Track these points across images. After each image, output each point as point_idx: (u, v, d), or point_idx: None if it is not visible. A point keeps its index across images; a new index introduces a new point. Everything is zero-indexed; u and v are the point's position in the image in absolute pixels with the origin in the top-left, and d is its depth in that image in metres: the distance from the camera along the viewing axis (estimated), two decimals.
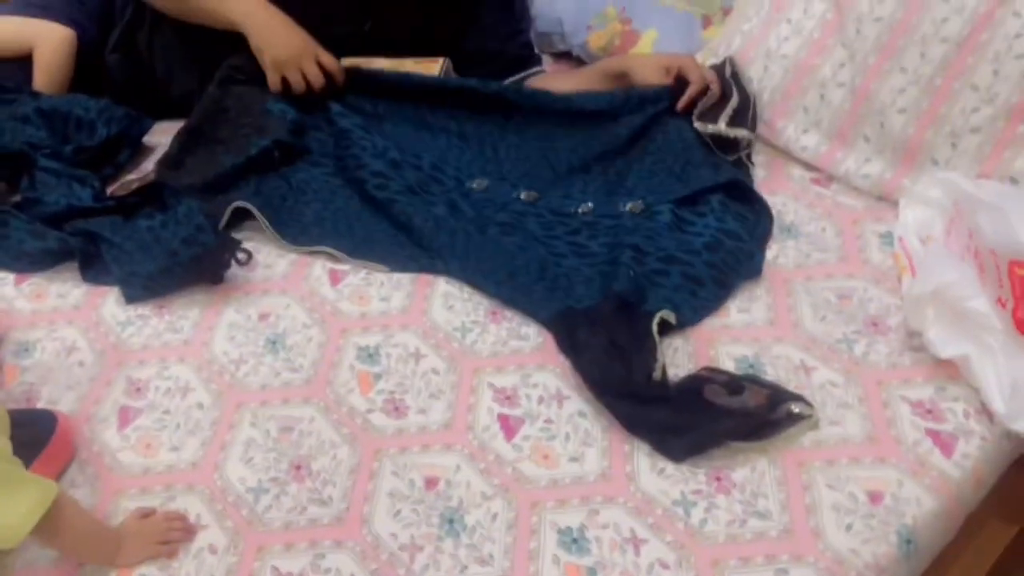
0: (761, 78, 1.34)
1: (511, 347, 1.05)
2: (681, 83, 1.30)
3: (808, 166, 1.30)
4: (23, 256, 1.18)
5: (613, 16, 1.55)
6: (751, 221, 1.19)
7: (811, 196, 1.25)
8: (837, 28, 1.27)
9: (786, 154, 1.32)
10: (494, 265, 1.15)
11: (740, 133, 1.27)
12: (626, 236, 1.16)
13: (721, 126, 1.27)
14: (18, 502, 0.75)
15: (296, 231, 1.21)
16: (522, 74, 1.50)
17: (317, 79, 1.31)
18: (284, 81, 1.31)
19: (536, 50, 1.55)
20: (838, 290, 1.10)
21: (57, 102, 1.33)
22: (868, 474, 0.90)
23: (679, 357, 1.03)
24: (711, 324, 1.07)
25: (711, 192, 1.21)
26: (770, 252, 1.16)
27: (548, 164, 1.34)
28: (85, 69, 1.45)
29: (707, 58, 1.44)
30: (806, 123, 1.29)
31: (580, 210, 1.25)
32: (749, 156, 1.31)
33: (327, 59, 1.32)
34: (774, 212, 1.22)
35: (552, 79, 1.51)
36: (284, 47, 1.28)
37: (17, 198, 1.28)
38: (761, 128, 1.33)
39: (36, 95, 1.36)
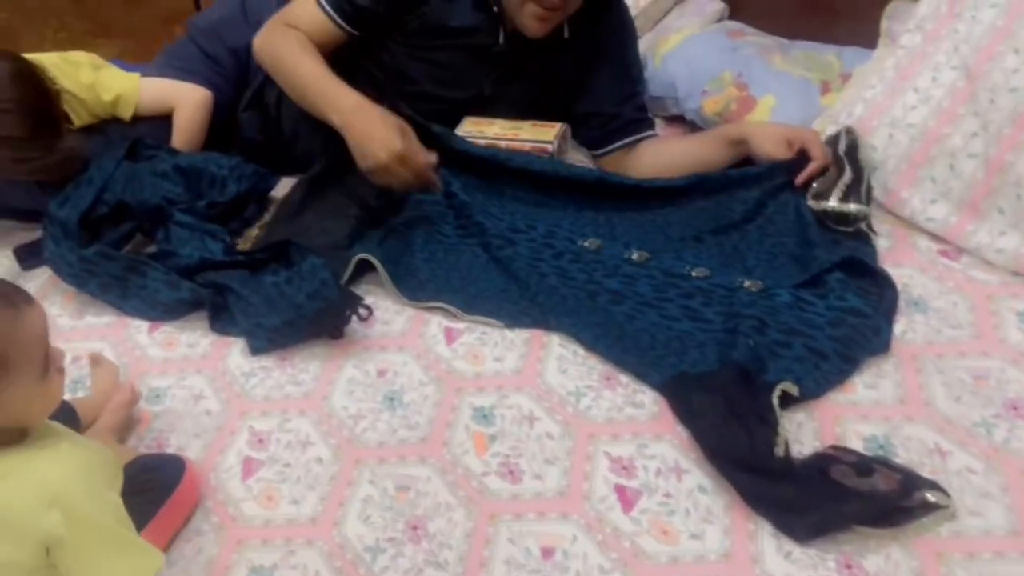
0: (886, 146, 1.31)
1: (626, 414, 1.04)
2: (801, 158, 1.29)
3: (935, 237, 1.26)
4: (158, 305, 1.24)
5: (729, 81, 1.55)
6: (875, 295, 1.15)
7: (939, 269, 1.21)
8: (968, 97, 1.23)
9: (911, 225, 1.28)
10: (605, 329, 1.14)
11: (851, 208, 1.24)
12: (743, 308, 1.14)
13: (833, 203, 1.24)
14: (123, 568, 0.76)
15: (413, 286, 1.24)
16: (635, 137, 1.51)
17: (408, 184, 1.27)
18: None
19: (649, 113, 1.56)
20: (973, 370, 1.05)
21: (194, 159, 1.40)
22: (1015, 570, 0.84)
23: (804, 434, 0.99)
24: (836, 400, 1.03)
25: (828, 271, 1.18)
26: (898, 327, 1.12)
27: (661, 231, 1.33)
28: (218, 126, 1.53)
29: (826, 125, 1.42)
30: (934, 193, 1.25)
31: (694, 273, 1.22)
32: (870, 226, 1.27)
33: (421, 161, 1.26)
34: (900, 285, 1.18)
35: (667, 143, 1.51)
36: (374, 158, 1.23)
37: (153, 249, 1.35)
38: (885, 198, 1.30)
39: (174, 152, 1.43)
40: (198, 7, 2.68)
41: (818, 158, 1.28)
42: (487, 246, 1.27)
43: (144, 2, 2.59)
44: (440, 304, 1.21)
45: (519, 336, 1.16)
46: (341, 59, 1.40)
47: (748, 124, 1.39)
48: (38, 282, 1.33)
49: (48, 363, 0.76)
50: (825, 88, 1.49)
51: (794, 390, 1.01)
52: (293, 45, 1.34)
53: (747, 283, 1.19)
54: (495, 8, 1.38)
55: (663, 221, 1.34)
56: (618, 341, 1.12)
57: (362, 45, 1.43)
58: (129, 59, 2.57)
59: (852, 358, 1.07)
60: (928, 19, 1.34)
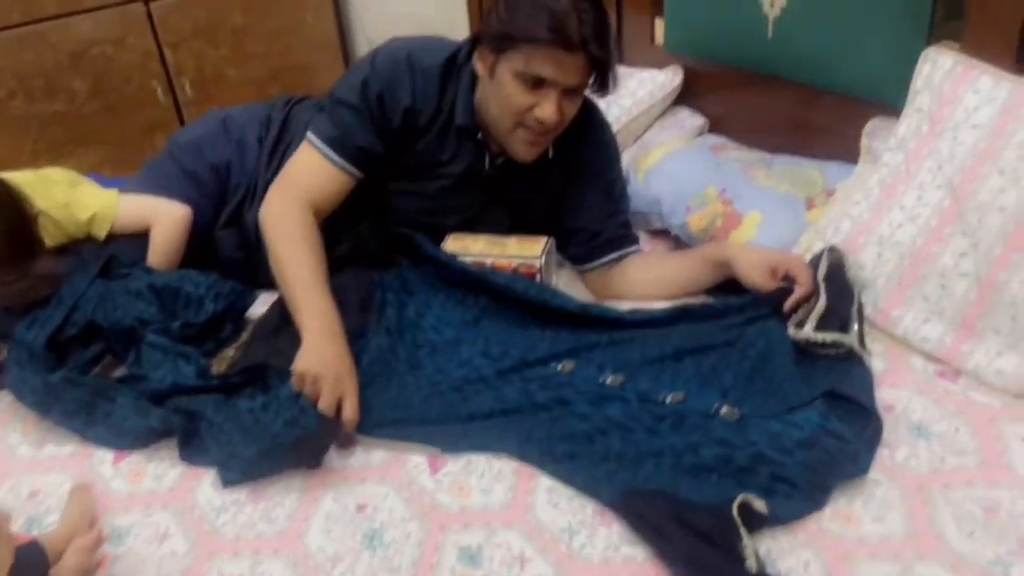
0: (875, 265, 1.30)
1: (623, 554, 0.98)
2: (786, 288, 1.28)
3: (931, 357, 1.23)
4: (125, 433, 1.18)
5: (714, 197, 1.55)
6: (859, 422, 1.11)
7: (938, 391, 1.18)
8: (956, 216, 1.23)
9: (906, 344, 1.26)
10: (554, 443, 1.11)
11: (824, 338, 1.21)
12: (715, 442, 1.09)
13: (808, 331, 1.22)
14: None
15: (364, 421, 1.18)
16: (619, 253, 1.50)
17: (327, 408, 1.13)
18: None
19: (634, 228, 1.55)
20: (983, 501, 1.01)
21: (169, 278, 1.36)
22: None
23: (812, 574, 0.94)
24: (843, 535, 0.98)
25: (810, 405, 1.14)
26: (900, 454, 1.08)
27: (639, 350, 1.30)
28: (196, 243, 1.50)
29: (813, 241, 1.41)
30: (927, 312, 1.24)
31: (668, 399, 1.19)
32: (863, 344, 1.24)
33: (351, 404, 1.16)
34: (899, 408, 1.15)
35: (652, 260, 1.50)
36: (325, 370, 1.15)
37: (123, 372, 1.29)
38: (877, 316, 1.28)
39: (150, 271, 1.40)
40: (180, 119, 2.70)
41: (803, 284, 1.27)
42: (448, 375, 1.23)
43: (125, 112, 2.60)
44: (373, 439, 1.16)
45: (507, 465, 1.11)
46: None
47: (733, 247, 1.39)
48: None
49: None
50: (810, 204, 1.50)
51: (761, 506, 0.97)
52: (296, 234, 1.30)
53: (724, 410, 1.16)
54: (479, 135, 1.39)
55: (641, 339, 1.32)
56: (567, 456, 1.09)
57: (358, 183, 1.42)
58: (109, 168, 2.60)
59: (824, 486, 1.02)
60: (909, 138, 1.35)
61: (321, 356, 1.18)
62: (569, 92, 1.29)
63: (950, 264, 1.22)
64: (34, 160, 2.51)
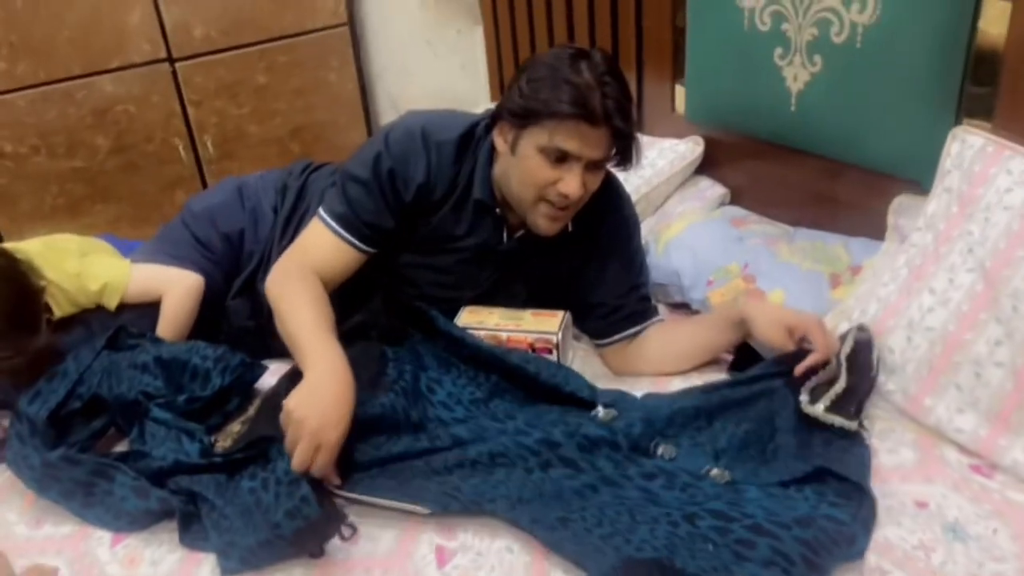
0: (904, 350, 1.25)
1: None
2: (801, 351, 1.24)
3: (965, 450, 1.17)
4: (123, 515, 1.14)
5: (736, 273, 1.51)
6: (852, 503, 1.07)
7: (974, 488, 1.11)
8: (989, 302, 1.18)
9: (939, 435, 1.20)
10: (547, 509, 1.07)
11: (835, 421, 1.16)
12: (707, 501, 1.07)
13: (819, 409, 1.17)
14: None
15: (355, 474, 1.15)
16: (638, 327, 1.46)
17: (300, 465, 1.08)
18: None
19: (653, 300, 1.52)
20: None
21: (177, 350, 1.33)
22: None
23: None
24: None
25: (804, 481, 1.11)
26: (936, 557, 1.01)
27: (640, 404, 1.27)
28: (206, 313, 1.48)
29: (838, 321, 1.36)
30: (960, 402, 1.18)
31: (660, 451, 1.16)
32: (862, 424, 1.20)
33: (323, 458, 1.09)
34: (932, 505, 1.09)
35: (670, 330, 1.46)
36: (313, 414, 1.09)
37: (124, 447, 1.26)
38: (908, 404, 1.23)
39: (158, 342, 1.37)
40: (201, 176, 2.71)
41: (820, 349, 1.22)
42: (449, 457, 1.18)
43: (146, 169, 2.62)
44: (356, 496, 1.12)
45: (519, 559, 1.06)
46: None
47: (750, 305, 1.36)
48: None
49: None
50: (835, 281, 1.45)
51: None
52: (300, 291, 1.27)
53: (714, 471, 1.13)
54: (497, 210, 1.37)
55: (633, 397, 1.31)
56: (559, 523, 1.05)
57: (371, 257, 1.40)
58: (127, 224, 2.60)
59: (820, 566, 0.98)
60: (938, 218, 1.31)
61: (314, 397, 1.12)
62: (592, 166, 1.27)
63: (984, 352, 1.16)
64: (53, 215, 2.52)
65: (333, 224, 1.35)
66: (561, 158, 1.24)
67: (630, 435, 1.18)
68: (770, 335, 1.29)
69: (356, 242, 1.35)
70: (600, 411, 1.20)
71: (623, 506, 1.07)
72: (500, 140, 1.30)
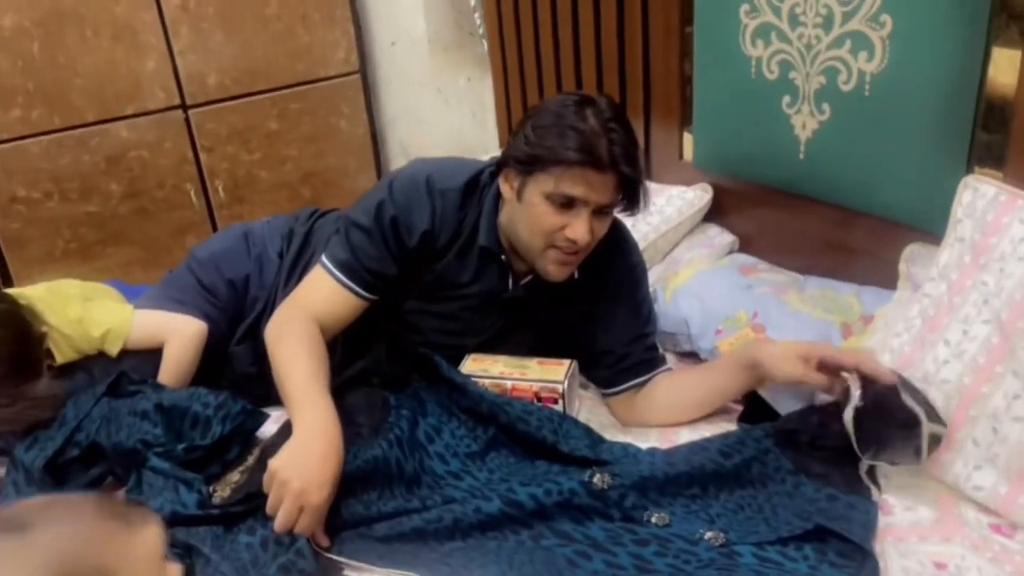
0: None
1: None
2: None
3: (984, 508, 1.13)
4: None
5: (744, 322, 1.48)
6: (855, 565, 1.03)
7: (995, 548, 1.07)
8: (1006, 355, 1.15)
9: (957, 492, 1.16)
10: (537, 571, 1.04)
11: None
12: (699, 569, 1.04)
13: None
14: None
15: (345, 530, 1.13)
16: (646, 376, 1.43)
17: (284, 526, 1.07)
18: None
19: (660, 350, 1.49)
20: None
21: (178, 397, 1.31)
22: None
23: None
24: None
25: (804, 539, 1.08)
26: None
27: (633, 460, 1.24)
28: (209, 359, 1.46)
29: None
30: (978, 459, 1.14)
31: (653, 519, 1.14)
32: (875, 481, 1.18)
33: (306, 522, 1.08)
34: (951, 566, 1.04)
35: (679, 378, 1.43)
36: (297, 475, 1.07)
37: (120, 496, 1.23)
38: (925, 461, 1.19)
39: (159, 388, 1.35)
40: (212, 221, 2.72)
41: (846, 362, 1.21)
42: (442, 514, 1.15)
43: (157, 214, 2.63)
44: (346, 560, 1.09)
45: None
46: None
47: (757, 345, 1.33)
48: None
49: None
50: (847, 331, 1.42)
51: None
52: (297, 340, 1.26)
53: (708, 535, 1.10)
54: (503, 257, 1.35)
55: (635, 451, 1.28)
56: None
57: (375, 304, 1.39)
58: (139, 268, 2.60)
59: None
60: (952, 268, 1.28)
61: (299, 458, 1.10)
62: (599, 212, 1.26)
63: (1002, 406, 1.13)
64: (64, 259, 2.53)
65: (335, 271, 1.34)
66: (568, 204, 1.23)
67: (622, 506, 1.15)
68: (785, 370, 1.26)
69: (358, 289, 1.34)
70: (596, 477, 1.17)
71: (613, 571, 1.05)
72: (506, 187, 1.29)
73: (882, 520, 1.12)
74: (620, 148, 1.21)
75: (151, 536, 0.71)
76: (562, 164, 1.20)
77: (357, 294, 1.34)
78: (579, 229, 1.23)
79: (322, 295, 1.33)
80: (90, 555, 0.65)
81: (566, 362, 1.41)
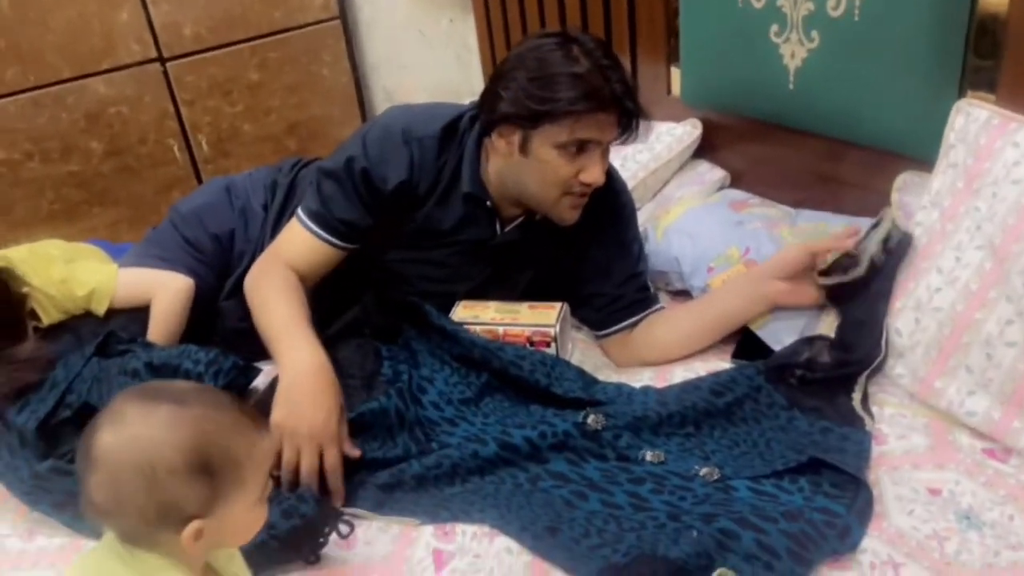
0: (912, 331, 1.21)
1: None
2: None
3: (978, 434, 1.13)
4: None
5: (736, 258, 1.47)
6: (848, 496, 1.04)
7: (988, 473, 1.07)
8: (999, 280, 1.14)
9: (950, 418, 1.16)
10: (534, 517, 1.05)
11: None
12: (695, 505, 1.05)
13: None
14: None
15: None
16: (639, 316, 1.42)
17: (311, 471, 1.09)
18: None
19: (652, 289, 1.48)
20: None
21: (168, 355, 1.29)
22: None
23: None
24: None
25: (799, 471, 1.08)
26: (950, 546, 0.98)
27: (626, 405, 1.24)
28: (198, 316, 1.45)
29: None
30: (971, 384, 1.14)
31: (648, 457, 1.15)
32: (868, 410, 1.18)
33: (333, 457, 1.11)
34: (945, 492, 1.05)
35: (673, 315, 1.42)
36: (299, 422, 1.09)
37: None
38: (918, 388, 1.19)
39: (148, 347, 1.34)
40: (197, 176, 2.68)
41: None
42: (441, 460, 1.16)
43: (141, 171, 2.58)
44: (347, 509, 1.10)
45: (518, 560, 1.02)
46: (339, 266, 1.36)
47: (764, 284, 1.34)
48: None
49: (264, 491, 0.80)
50: None
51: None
52: (275, 285, 1.28)
53: (703, 470, 1.11)
54: (488, 203, 1.33)
55: (628, 390, 1.29)
56: (548, 533, 1.02)
57: (359, 252, 1.38)
58: (126, 227, 2.57)
59: (806, 559, 0.95)
60: (943, 194, 1.27)
61: (293, 403, 1.12)
62: (606, 149, 1.26)
63: (995, 332, 1.12)
64: (49, 221, 2.49)
65: (308, 222, 1.33)
66: (580, 149, 1.23)
67: (616, 446, 1.16)
68: (801, 299, 1.31)
69: (332, 239, 1.33)
70: (590, 418, 1.17)
71: (611, 515, 1.05)
72: (502, 143, 1.26)
73: (876, 450, 1.12)
74: (620, 85, 1.21)
75: (269, 443, 0.83)
76: (572, 114, 1.19)
77: (332, 244, 1.33)
78: (596, 171, 1.24)
79: (297, 246, 1.33)
80: (225, 438, 0.76)
81: (557, 305, 1.40)
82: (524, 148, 1.24)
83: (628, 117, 1.24)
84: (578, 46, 1.20)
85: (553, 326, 1.35)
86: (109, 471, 0.74)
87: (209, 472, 0.75)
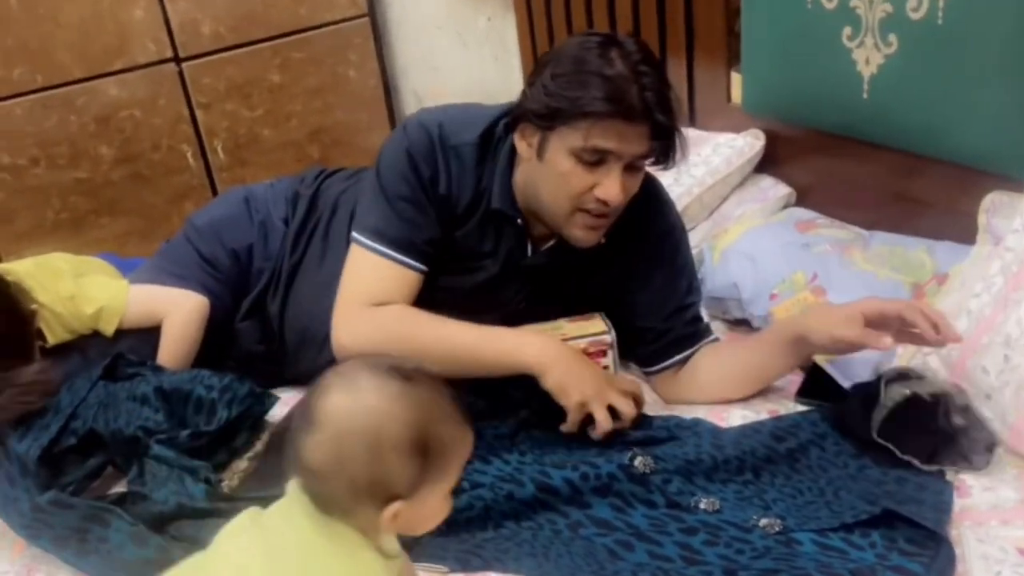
0: (1001, 371, 1.19)
1: None
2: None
3: None
4: (119, 566, 1.12)
5: (802, 284, 1.46)
6: (928, 553, 1.02)
7: None
8: None
9: None
10: (575, 568, 1.05)
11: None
12: (753, 559, 1.04)
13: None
14: None
15: None
16: (689, 351, 1.41)
17: (607, 424, 1.24)
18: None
19: (707, 318, 1.47)
20: None
21: (179, 380, 1.33)
22: None
23: None
24: None
25: (871, 524, 1.07)
26: None
27: (678, 446, 1.24)
28: (213, 337, 1.47)
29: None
30: None
31: (702, 505, 1.13)
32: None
33: (624, 392, 1.28)
34: None
35: (721, 353, 1.41)
36: (591, 384, 1.24)
37: (122, 488, 1.26)
38: (1006, 434, 1.17)
39: (159, 370, 1.37)
40: (212, 185, 2.73)
41: (920, 322, 1.17)
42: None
43: (153, 179, 2.65)
44: None
45: None
46: None
47: (804, 315, 1.31)
48: None
49: (454, 485, 0.86)
50: (918, 292, 1.40)
51: None
52: (405, 318, 1.29)
53: (763, 522, 1.10)
54: (519, 221, 1.34)
55: (676, 422, 1.30)
56: None
57: None
58: (136, 239, 2.63)
59: None
60: None
61: (565, 370, 1.24)
62: (630, 167, 1.24)
63: None
64: (55, 231, 2.56)
65: (385, 249, 1.31)
66: (597, 160, 1.20)
67: (666, 492, 1.15)
68: (835, 336, 1.22)
69: (419, 264, 1.32)
70: (637, 460, 1.17)
71: (659, 569, 1.04)
72: (523, 144, 1.27)
73: (958, 502, 1.11)
74: (653, 94, 1.18)
75: (471, 439, 0.86)
76: (590, 117, 1.17)
77: (417, 269, 1.32)
78: (611, 188, 1.21)
79: (381, 280, 1.31)
80: (444, 424, 0.82)
81: (595, 314, 1.40)
82: (541, 152, 1.24)
83: (662, 134, 1.21)
84: (618, 49, 1.19)
85: (607, 332, 1.36)
86: (335, 433, 0.79)
87: (424, 454, 0.80)
